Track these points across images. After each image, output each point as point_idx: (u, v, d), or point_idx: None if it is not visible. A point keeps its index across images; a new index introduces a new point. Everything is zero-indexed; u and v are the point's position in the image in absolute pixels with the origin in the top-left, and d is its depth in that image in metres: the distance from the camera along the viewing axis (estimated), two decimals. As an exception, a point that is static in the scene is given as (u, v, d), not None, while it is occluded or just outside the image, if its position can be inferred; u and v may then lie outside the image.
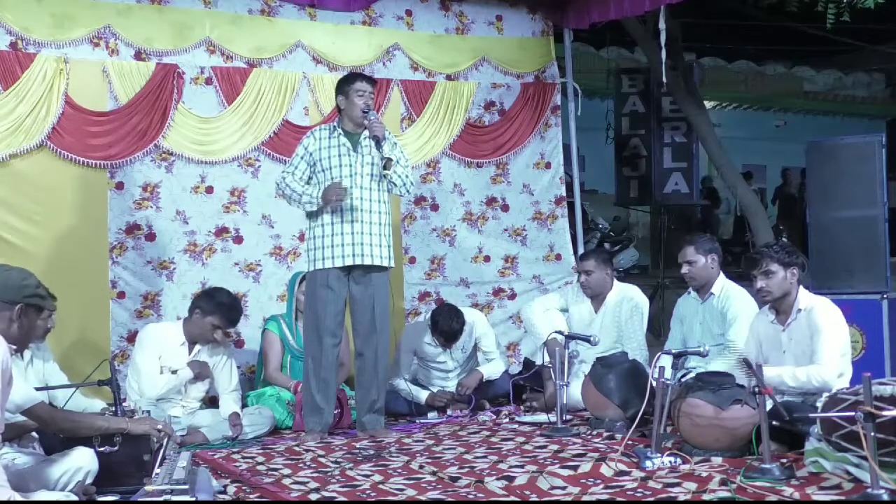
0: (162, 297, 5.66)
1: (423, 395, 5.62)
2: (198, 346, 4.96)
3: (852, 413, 3.20)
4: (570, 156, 7.30)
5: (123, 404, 3.98)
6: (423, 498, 3.52)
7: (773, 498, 3.31)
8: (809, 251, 5.92)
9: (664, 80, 6.45)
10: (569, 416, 5.06)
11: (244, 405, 5.16)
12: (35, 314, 3.09)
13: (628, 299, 5.50)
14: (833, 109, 16.29)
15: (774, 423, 3.75)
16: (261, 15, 6.01)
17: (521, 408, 5.60)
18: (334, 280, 4.88)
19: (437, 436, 4.86)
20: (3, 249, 5.12)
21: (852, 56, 15.28)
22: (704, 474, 3.64)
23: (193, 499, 2.91)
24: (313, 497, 3.57)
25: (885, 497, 3.08)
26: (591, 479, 3.67)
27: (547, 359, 5.18)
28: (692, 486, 3.50)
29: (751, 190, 9.32)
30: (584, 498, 3.45)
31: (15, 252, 5.11)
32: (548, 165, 6.92)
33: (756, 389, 3.63)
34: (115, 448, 3.57)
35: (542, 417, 5.12)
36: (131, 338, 5.38)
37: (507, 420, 5.28)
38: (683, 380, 4.23)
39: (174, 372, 4.84)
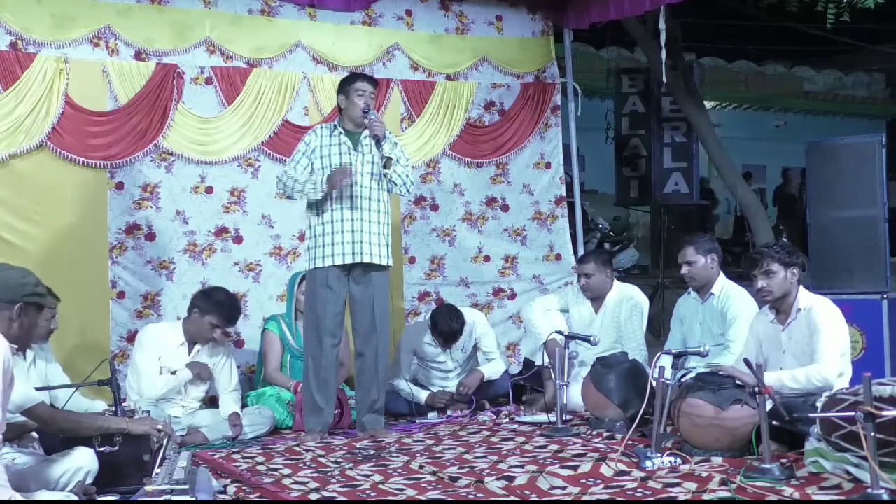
0: (162, 297, 5.66)
1: (423, 396, 5.62)
2: (197, 346, 4.96)
3: (852, 413, 3.20)
4: (570, 156, 7.30)
5: (123, 404, 3.98)
6: (423, 498, 3.52)
7: (773, 498, 3.31)
8: (809, 251, 5.92)
9: (664, 80, 6.45)
10: (569, 416, 5.07)
11: (244, 405, 5.17)
12: (35, 313, 3.08)
13: (628, 299, 5.50)
14: (833, 109, 16.28)
15: (774, 423, 3.75)
16: (261, 15, 6.01)
17: (521, 408, 5.60)
18: (334, 280, 4.88)
19: (437, 436, 4.86)
20: (3, 249, 5.12)
21: (852, 56, 15.28)
22: (704, 474, 3.64)
23: (193, 499, 2.91)
24: (313, 497, 3.57)
25: (885, 497, 3.08)
26: (591, 479, 3.67)
27: (547, 359, 5.18)
28: (692, 486, 3.50)
29: (751, 190, 9.31)
30: (584, 498, 3.45)
31: (15, 252, 5.10)
32: (548, 165, 6.92)
33: (756, 389, 3.63)
34: (115, 448, 3.57)
35: (542, 417, 5.12)
36: (131, 338, 5.38)
37: (507, 420, 5.28)
38: (683, 380, 4.23)
39: (173, 373, 4.84)
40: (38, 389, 3.73)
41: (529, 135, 6.82)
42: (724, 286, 4.99)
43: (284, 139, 5.94)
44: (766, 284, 4.23)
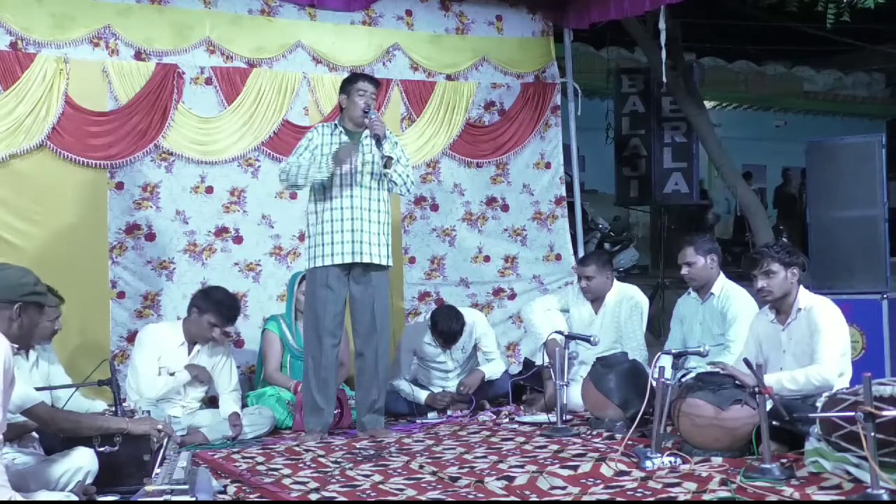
0: (162, 297, 5.66)
1: (422, 396, 5.62)
2: (197, 346, 4.96)
3: (852, 413, 3.20)
4: (570, 156, 7.30)
5: (123, 404, 3.98)
6: (423, 498, 3.52)
7: (773, 498, 3.31)
8: (809, 251, 5.92)
9: (664, 80, 6.44)
10: (569, 416, 5.07)
11: (244, 405, 5.17)
12: (36, 312, 3.07)
13: (628, 298, 5.50)
14: (833, 109, 16.28)
15: (774, 423, 3.75)
16: (261, 15, 6.01)
17: (521, 408, 5.60)
18: (334, 280, 4.88)
19: (437, 436, 4.86)
20: (3, 249, 5.12)
21: (852, 56, 15.28)
22: (704, 474, 3.64)
23: (193, 499, 2.91)
24: (313, 497, 3.57)
25: (885, 497, 3.09)
26: (591, 479, 3.68)
27: (547, 359, 5.18)
28: (692, 486, 3.50)
29: (751, 190, 9.31)
30: (584, 498, 3.45)
31: (15, 252, 5.11)
32: (548, 165, 6.92)
33: (756, 389, 3.63)
34: (115, 448, 3.57)
35: (542, 417, 5.12)
36: (131, 338, 5.38)
37: (507, 420, 5.28)
38: (683, 380, 4.23)
39: (172, 374, 4.84)
40: (38, 389, 3.73)
41: (529, 135, 6.82)
42: (723, 286, 4.99)
43: (284, 139, 5.94)
44: (767, 284, 4.23)
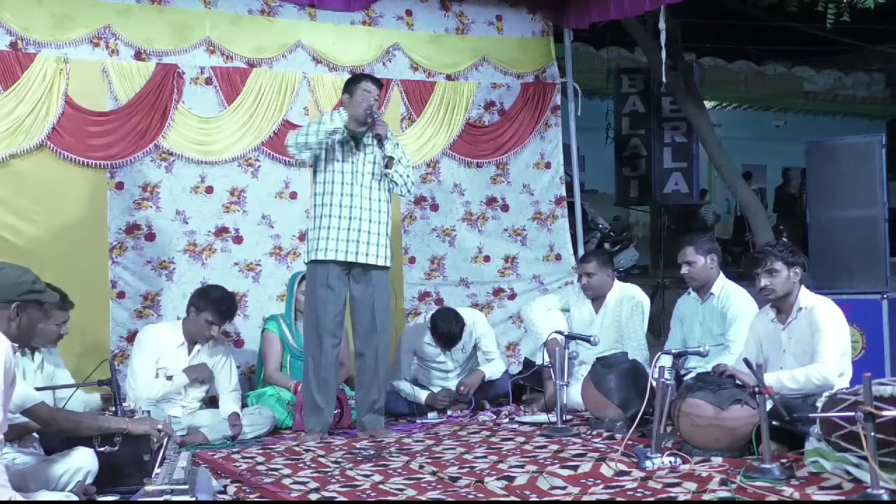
0: (162, 297, 5.66)
1: (423, 396, 5.62)
2: (197, 346, 4.96)
3: (852, 413, 3.20)
4: (570, 156, 7.30)
5: (123, 404, 3.98)
6: (423, 498, 3.52)
7: (773, 498, 3.31)
8: (809, 251, 5.92)
9: (664, 80, 6.44)
10: (569, 416, 5.07)
11: (244, 405, 5.17)
12: (35, 310, 3.04)
13: (629, 298, 5.50)
14: (833, 109, 16.28)
15: (774, 423, 3.75)
16: (261, 15, 6.01)
17: (521, 408, 5.60)
18: (334, 280, 4.88)
19: (437, 436, 4.86)
20: (3, 249, 5.12)
21: (852, 56, 15.28)
22: (704, 474, 3.64)
23: (193, 499, 2.91)
24: (313, 497, 3.57)
25: (885, 497, 3.09)
26: (591, 479, 3.67)
27: (547, 359, 5.18)
28: (692, 486, 3.50)
29: (751, 190, 9.31)
30: (584, 498, 3.45)
31: (15, 252, 5.10)
32: (548, 165, 6.92)
33: (756, 389, 3.63)
34: (115, 448, 3.57)
35: (542, 417, 5.12)
36: (131, 338, 5.38)
37: (507, 420, 5.28)
38: (684, 380, 4.23)
39: (169, 378, 4.84)
40: (38, 389, 3.73)
41: (529, 135, 6.82)
42: (723, 286, 4.99)
43: (284, 139, 5.91)
44: (770, 283, 4.23)
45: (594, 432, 4.69)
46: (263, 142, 5.95)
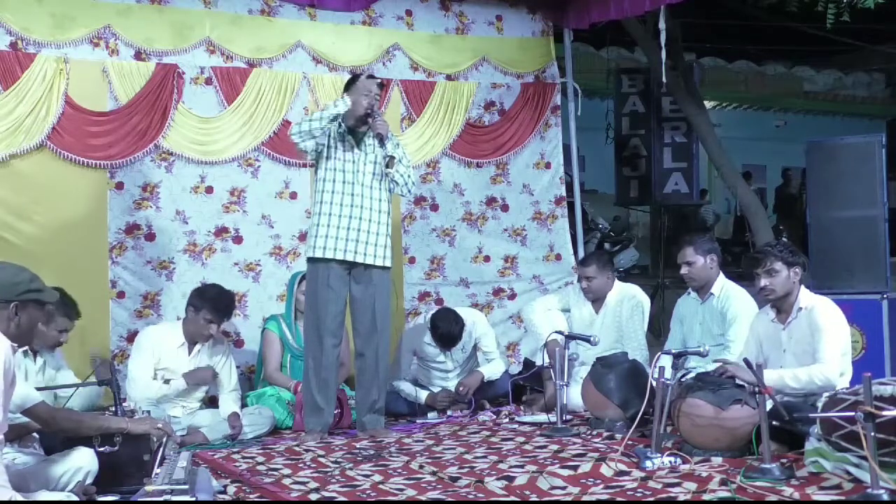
0: (162, 297, 5.66)
1: (422, 396, 5.62)
2: (198, 347, 4.96)
3: (852, 413, 3.20)
4: (570, 156, 7.30)
5: (123, 404, 3.98)
6: (423, 498, 3.52)
7: (773, 498, 3.31)
8: (809, 251, 5.92)
9: (664, 80, 6.44)
10: (569, 416, 5.06)
11: (244, 405, 5.17)
12: (35, 309, 3.02)
13: (629, 297, 5.50)
14: (833, 109, 16.29)
15: (774, 423, 3.75)
16: (261, 15, 6.01)
17: (521, 408, 5.60)
18: (335, 279, 4.88)
19: (437, 436, 4.86)
20: (2, 249, 5.12)
21: (852, 56, 15.29)
22: (704, 474, 3.64)
23: (193, 499, 2.91)
24: (313, 497, 3.57)
25: (885, 497, 3.08)
26: (591, 479, 3.67)
27: (547, 359, 5.18)
28: (692, 486, 3.50)
29: (751, 190, 9.32)
30: (584, 498, 3.45)
31: (15, 252, 5.09)
32: (548, 165, 6.93)
33: (756, 389, 3.63)
34: (115, 448, 3.57)
35: (542, 417, 5.12)
36: (131, 338, 5.38)
37: (507, 420, 5.28)
38: (683, 380, 4.23)
39: (167, 382, 4.84)
40: (38, 389, 3.73)
41: (529, 135, 6.82)
42: (723, 286, 4.99)
43: (284, 139, 5.91)
44: (769, 283, 4.23)
45: (594, 432, 4.69)
46: (263, 142, 5.96)
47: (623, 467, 3.79)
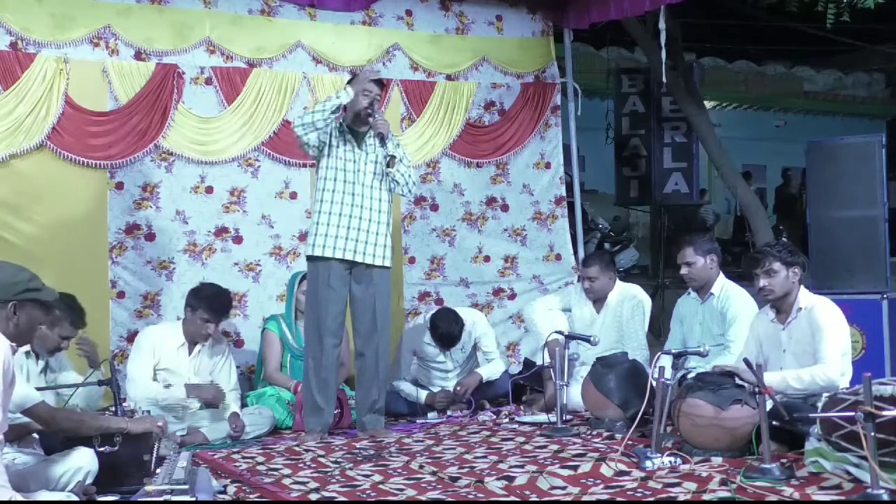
0: (162, 297, 5.66)
1: (422, 396, 5.62)
2: (198, 347, 4.96)
3: (852, 413, 3.20)
4: (570, 156, 7.30)
5: (123, 404, 3.98)
6: (423, 498, 3.52)
7: (773, 498, 3.31)
8: (809, 251, 5.92)
9: (664, 80, 6.45)
10: (569, 416, 5.06)
11: (244, 405, 5.17)
12: (35, 309, 3.02)
13: (630, 297, 5.50)
14: (833, 109, 16.29)
15: (774, 423, 3.75)
16: (261, 15, 6.01)
17: (521, 408, 5.60)
18: (336, 279, 4.88)
19: (437, 436, 4.86)
20: (2, 249, 5.12)
21: (852, 56, 15.29)
22: (704, 474, 3.64)
23: (193, 499, 2.91)
24: (313, 497, 3.57)
25: (885, 497, 3.08)
26: (591, 479, 3.67)
27: (547, 359, 5.17)
28: (692, 486, 3.50)
29: (751, 190, 9.32)
30: (584, 498, 3.45)
31: (15, 252, 5.09)
32: (548, 165, 6.93)
33: (756, 389, 3.63)
34: (116, 448, 3.57)
35: (542, 417, 5.12)
36: (131, 338, 5.38)
37: (507, 420, 5.28)
38: (683, 380, 4.23)
39: (168, 386, 4.84)
40: (39, 389, 3.73)
41: (529, 135, 6.82)
42: (723, 286, 4.99)
43: (284, 139, 5.94)
44: (768, 283, 4.23)
45: (594, 432, 4.69)
46: (263, 142, 5.96)
47: (623, 467, 3.79)
